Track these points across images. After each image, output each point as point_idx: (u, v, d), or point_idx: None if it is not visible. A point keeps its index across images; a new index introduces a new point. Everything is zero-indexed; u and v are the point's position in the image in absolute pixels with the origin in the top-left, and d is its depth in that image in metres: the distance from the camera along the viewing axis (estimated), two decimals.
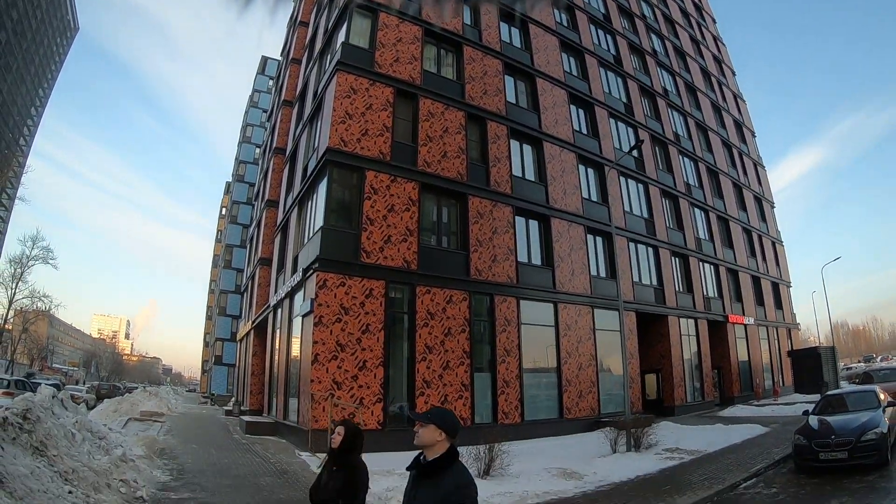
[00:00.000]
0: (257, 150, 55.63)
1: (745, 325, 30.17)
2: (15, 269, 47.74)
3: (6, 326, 49.42)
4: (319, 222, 15.25)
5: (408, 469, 2.99)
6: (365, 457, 3.94)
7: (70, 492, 6.50)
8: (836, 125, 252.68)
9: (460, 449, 3.16)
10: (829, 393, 13.32)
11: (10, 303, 47.88)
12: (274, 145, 27.74)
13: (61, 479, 6.70)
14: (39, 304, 51.20)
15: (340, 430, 3.89)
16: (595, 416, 18.52)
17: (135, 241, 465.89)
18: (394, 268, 15.18)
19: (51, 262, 49.97)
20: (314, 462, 11.35)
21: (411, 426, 2.92)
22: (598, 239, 21.80)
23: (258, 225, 29.65)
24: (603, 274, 21.41)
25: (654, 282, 24.34)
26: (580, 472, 10.44)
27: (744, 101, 42.93)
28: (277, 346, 20.28)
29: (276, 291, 21.08)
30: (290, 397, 16.91)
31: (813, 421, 10.39)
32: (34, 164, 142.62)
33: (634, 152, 24.35)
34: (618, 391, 18.88)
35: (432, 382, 14.95)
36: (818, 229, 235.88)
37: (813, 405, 11.90)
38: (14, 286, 47.52)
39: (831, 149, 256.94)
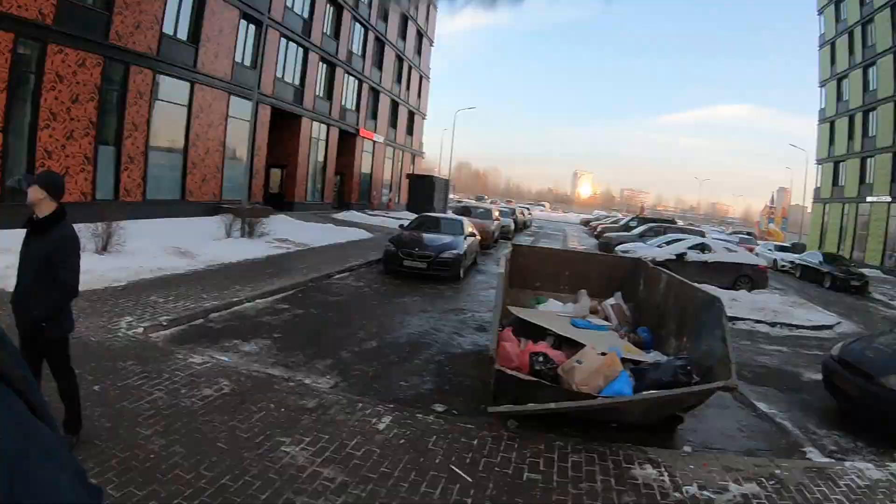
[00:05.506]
0: None
1: (374, 142, 33.85)
2: None
3: None
4: None
5: (24, 227, 3.33)
6: None
7: None
8: None
9: (79, 225, 3.69)
10: (425, 214, 15.68)
11: None
12: None
13: None
14: None
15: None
16: (217, 201, 18.74)
17: None
18: (26, 19, 11.82)
19: None
20: None
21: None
22: (251, 26, 20.40)
23: None
24: (247, 62, 20.39)
25: (297, 82, 24.59)
26: (194, 251, 10.92)
27: None
28: None
29: None
30: None
31: (406, 234, 12.56)
32: None
33: None
34: (243, 180, 18.81)
35: (54, 153, 12.90)
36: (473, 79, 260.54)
37: (409, 221, 14.11)
38: None
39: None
